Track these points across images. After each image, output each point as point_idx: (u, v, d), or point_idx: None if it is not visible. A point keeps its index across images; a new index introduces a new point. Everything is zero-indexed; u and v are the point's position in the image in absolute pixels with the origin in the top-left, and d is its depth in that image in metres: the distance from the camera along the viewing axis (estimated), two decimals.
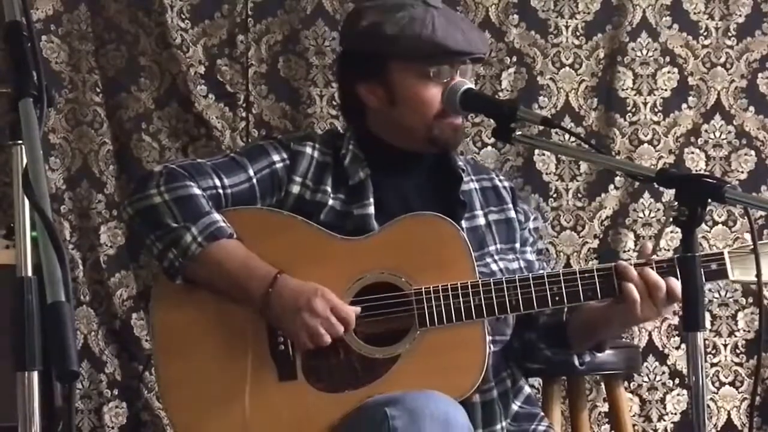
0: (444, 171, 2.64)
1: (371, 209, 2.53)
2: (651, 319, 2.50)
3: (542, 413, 2.66)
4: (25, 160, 1.57)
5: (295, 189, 2.54)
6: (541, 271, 2.52)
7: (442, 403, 2.32)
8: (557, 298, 2.43)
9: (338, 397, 2.42)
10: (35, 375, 1.58)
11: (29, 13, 1.70)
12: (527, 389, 2.66)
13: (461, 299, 2.42)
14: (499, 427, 2.54)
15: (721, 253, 2.43)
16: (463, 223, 2.56)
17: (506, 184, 2.73)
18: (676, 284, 2.38)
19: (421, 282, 2.44)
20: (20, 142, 1.62)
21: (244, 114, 4.00)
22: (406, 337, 2.44)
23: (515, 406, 2.60)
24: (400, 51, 2.54)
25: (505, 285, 2.44)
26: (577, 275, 2.44)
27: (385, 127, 2.60)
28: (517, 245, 2.66)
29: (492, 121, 2.37)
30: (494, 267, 2.56)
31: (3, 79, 1.71)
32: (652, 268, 2.42)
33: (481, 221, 2.62)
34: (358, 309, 2.43)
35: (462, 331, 2.44)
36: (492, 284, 2.44)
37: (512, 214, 2.68)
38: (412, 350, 2.43)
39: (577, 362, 2.63)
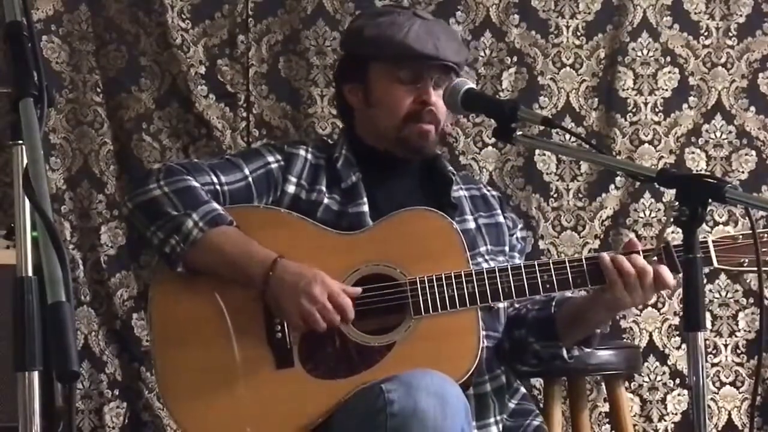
0: (434, 175, 2.72)
1: (365, 207, 2.60)
2: (638, 304, 2.56)
3: (536, 410, 2.70)
4: (25, 161, 1.56)
5: (291, 189, 2.61)
6: (532, 261, 2.58)
7: (438, 379, 2.35)
8: (548, 286, 2.50)
9: (334, 384, 2.46)
10: (36, 375, 1.58)
11: (29, 13, 1.70)
12: (522, 390, 2.70)
13: (455, 287, 2.48)
14: (492, 420, 2.58)
15: (705, 242, 2.50)
16: (455, 226, 2.59)
17: (494, 193, 2.82)
18: (665, 270, 2.45)
19: (415, 273, 2.49)
20: (21, 142, 1.62)
21: (244, 114, 4.00)
22: (401, 325, 2.48)
23: (511, 404, 2.64)
24: (375, 52, 2.64)
25: (497, 273, 2.50)
26: (567, 263, 2.51)
27: (366, 128, 2.70)
28: (506, 248, 2.73)
29: (493, 121, 2.37)
30: (485, 266, 2.59)
31: (3, 80, 1.71)
32: (638, 254, 2.48)
33: (471, 225, 2.68)
34: (358, 290, 2.48)
35: (456, 318, 2.48)
36: (485, 273, 2.50)
37: (501, 219, 2.75)
38: (406, 338, 2.47)
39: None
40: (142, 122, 3.96)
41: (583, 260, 2.51)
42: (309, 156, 2.65)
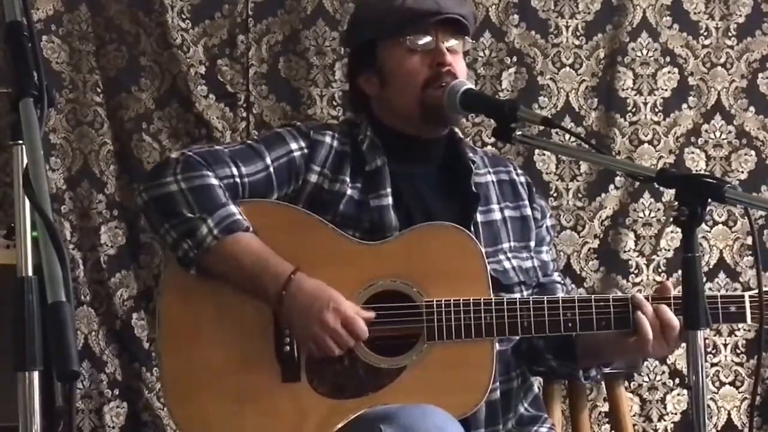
0: (457, 162, 2.61)
1: (388, 200, 2.50)
2: (661, 356, 2.47)
3: (545, 415, 2.65)
4: (25, 160, 1.57)
5: (314, 178, 2.51)
6: (556, 296, 2.50)
7: (439, 419, 2.30)
8: (570, 325, 2.41)
9: (339, 404, 2.41)
10: (36, 375, 1.58)
11: (29, 13, 1.70)
12: (535, 390, 2.64)
13: (472, 316, 2.40)
14: (501, 426, 2.52)
15: (742, 296, 2.43)
16: (478, 217, 2.54)
17: (523, 179, 2.71)
18: None
19: (433, 294, 2.41)
20: (21, 142, 1.62)
21: (244, 114, 4.00)
22: (413, 348, 2.42)
23: (522, 408, 2.59)
24: (377, 29, 2.55)
25: (518, 305, 2.41)
26: (593, 303, 2.42)
27: (386, 112, 2.59)
28: (532, 244, 2.63)
29: (492, 121, 2.37)
30: (507, 264, 2.54)
31: (3, 79, 1.72)
32: (668, 305, 2.40)
33: (497, 216, 2.59)
34: (372, 314, 2.40)
35: (470, 348, 2.41)
36: (505, 303, 2.41)
37: (528, 211, 2.65)
38: (418, 362, 2.41)
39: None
40: (142, 122, 3.96)
41: (611, 302, 2.43)
42: (335, 143, 2.54)
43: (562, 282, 2.68)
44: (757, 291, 2.38)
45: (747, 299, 2.42)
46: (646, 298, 2.42)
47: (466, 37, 2.58)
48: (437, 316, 2.40)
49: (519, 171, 2.73)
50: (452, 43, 2.54)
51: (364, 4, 2.66)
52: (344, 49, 3.84)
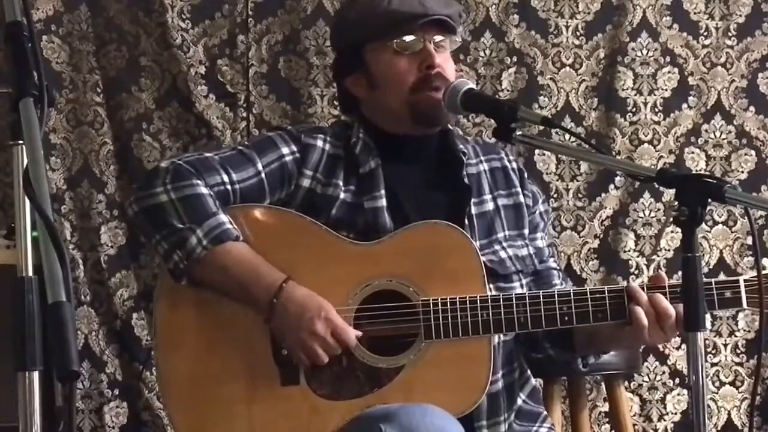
0: (449, 156, 2.60)
1: (383, 202, 2.49)
2: (659, 343, 2.46)
3: (545, 412, 2.64)
4: (25, 160, 1.57)
5: (306, 182, 2.50)
6: (552, 290, 2.49)
7: (438, 419, 2.30)
8: (566, 318, 2.41)
9: (339, 405, 2.40)
10: (36, 375, 1.58)
11: (30, 14, 1.70)
12: (533, 381, 2.64)
13: (469, 313, 2.39)
14: (502, 418, 2.51)
15: (737, 281, 2.40)
16: (473, 209, 2.53)
17: (515, 165, 2.69)
18: None
19: (429, 292, 2.41)
20: (21, 142, 1.62)
21: (244, 114, 4.00)
22: (411, 347, 2.41)
23: (520, 400, 2.58)
24: (364, 32, 2.55)
25: (514, 301, 2.41)
26: (588, 296, 2.42)
27: (376, 114, 2.58)
28: (526, 231, 2.62)
29: (492, 121, 2.36)
30: (503, 254, 2.53)
31: (3, 79, 1.72)
32: (664, 293, 2.40)
33: (490, 206, 2.58)
34: (358, 333, 2.40)
35: (468, 346, 2.41)
36: (501, 300, 2.41)
37: (521, 198, 2.63)
38: (416, 361, 2.40)
39: (580, 364, 2.62)
40: (142, 122, 3.96)
41: (606, 293, 2.42)
42: (327, 146, 2.53)
43: (558, 268, 2.68)
44: (754, 276, 2.37)
45: (742, 283, 2.40)
46: (641, 288, 2.42)
47: (453, 36, 2.58)
48: (434, 315, 2.40)
49: (511, 157, 2.72)
50: (440, 42, 2.54)
51: (349, 7, 2.65)
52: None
